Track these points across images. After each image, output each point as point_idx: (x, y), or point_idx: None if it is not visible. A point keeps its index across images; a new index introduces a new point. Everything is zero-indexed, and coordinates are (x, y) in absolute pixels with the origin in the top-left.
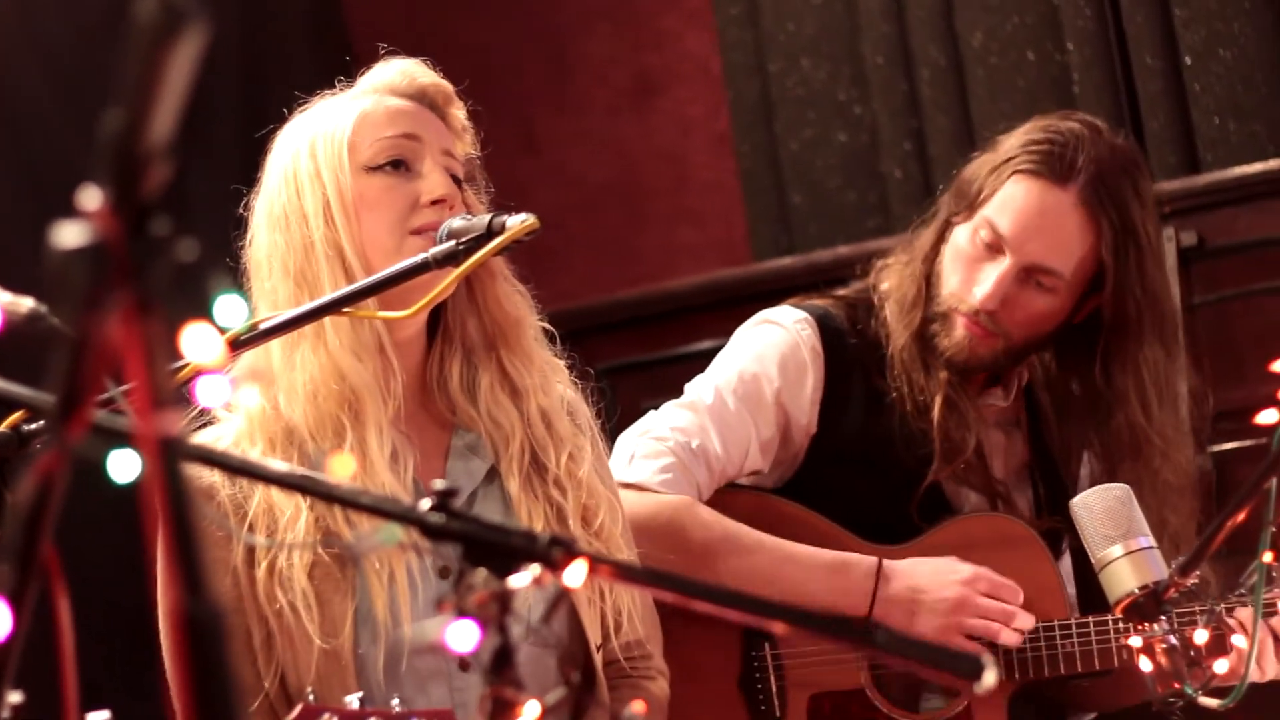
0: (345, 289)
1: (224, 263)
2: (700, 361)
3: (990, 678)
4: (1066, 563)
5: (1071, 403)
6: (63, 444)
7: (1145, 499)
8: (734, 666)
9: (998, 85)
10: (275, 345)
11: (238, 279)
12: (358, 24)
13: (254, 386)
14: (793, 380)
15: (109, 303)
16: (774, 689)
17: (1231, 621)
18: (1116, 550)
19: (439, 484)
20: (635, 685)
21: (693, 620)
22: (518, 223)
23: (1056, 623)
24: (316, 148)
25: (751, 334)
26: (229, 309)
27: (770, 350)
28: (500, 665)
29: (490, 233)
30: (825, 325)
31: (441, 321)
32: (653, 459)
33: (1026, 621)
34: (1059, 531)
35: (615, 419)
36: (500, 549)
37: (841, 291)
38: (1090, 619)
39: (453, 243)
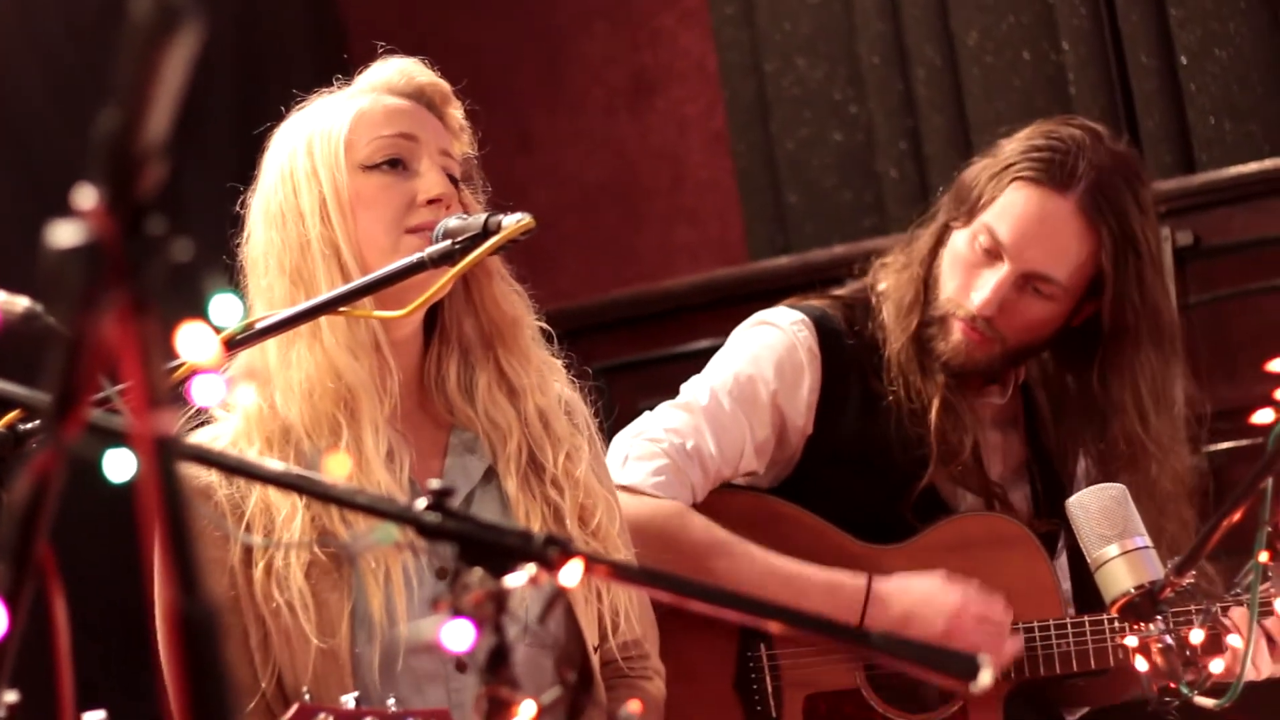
0: (341, 288)
1: (220, 262)
2: (696, 361)
3: (985, 678)
4: (1063, 562)
5: (1068, 402)
6: (58, 443)
7: (1142, 507)
8: (730, 667)
9: (993, 84)
10: (271, 344)
11: (234, 277)
12: (354, 23)
13: (250, 385)
14: (789, 382)
15: (104, 302)
16: (770, 689)
17: (1227, 621)
18: (1112, 550)
19: (434, 483)
20: (632, 685)
21: (689, 621)
22: (514, 222)
23: (1052, 622)
24: (313, 146)
25: (748, 335)
26: (224, 308)
27: (766, 352)
28: (496, 665)
29: (486, 232)
30: (822, 326)
31: (439, 321)
32: (647, 460)
33: (1014, 646)
34: (1055, 530)
35: (612, 418)
36: (496, 548)
37: (839, 291)
38: (1086, 618)
39: (449, 242)
